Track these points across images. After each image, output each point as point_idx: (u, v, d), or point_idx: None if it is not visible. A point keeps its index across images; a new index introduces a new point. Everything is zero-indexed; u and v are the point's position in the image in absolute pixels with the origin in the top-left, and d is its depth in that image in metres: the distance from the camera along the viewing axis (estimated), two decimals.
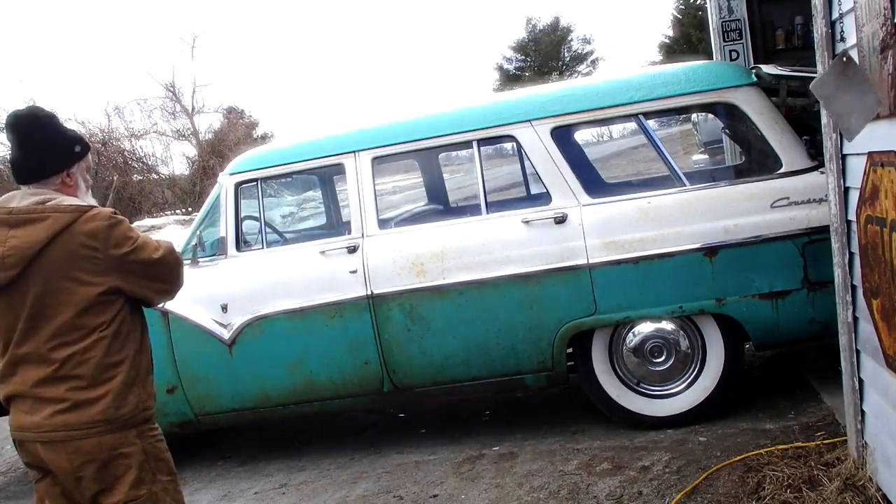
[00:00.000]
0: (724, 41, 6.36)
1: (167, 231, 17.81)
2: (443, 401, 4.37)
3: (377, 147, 3.87)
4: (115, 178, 21.67)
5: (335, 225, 4.93)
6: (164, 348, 3.88)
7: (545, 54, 42.23)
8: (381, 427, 4.45)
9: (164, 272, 2.26)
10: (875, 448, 2.54)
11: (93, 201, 2.27)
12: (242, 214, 4.00)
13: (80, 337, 2.13)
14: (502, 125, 3.75)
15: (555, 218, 3.56)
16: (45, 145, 2.21)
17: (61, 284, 2.11)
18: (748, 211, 3.40)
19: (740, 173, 4.20)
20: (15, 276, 2.10)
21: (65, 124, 2.30)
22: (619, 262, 3.47)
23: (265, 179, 4.08)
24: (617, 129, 26.46)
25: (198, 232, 3.98)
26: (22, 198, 2.16)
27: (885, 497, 2.46)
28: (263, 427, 4.70)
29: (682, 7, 30.23)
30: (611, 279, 3.47)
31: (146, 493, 2.19)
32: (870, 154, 2.27)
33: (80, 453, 2.13)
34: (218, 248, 3.97)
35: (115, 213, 2.20)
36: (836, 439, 3.03)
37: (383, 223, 3.87)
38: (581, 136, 5.66)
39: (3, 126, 2.22)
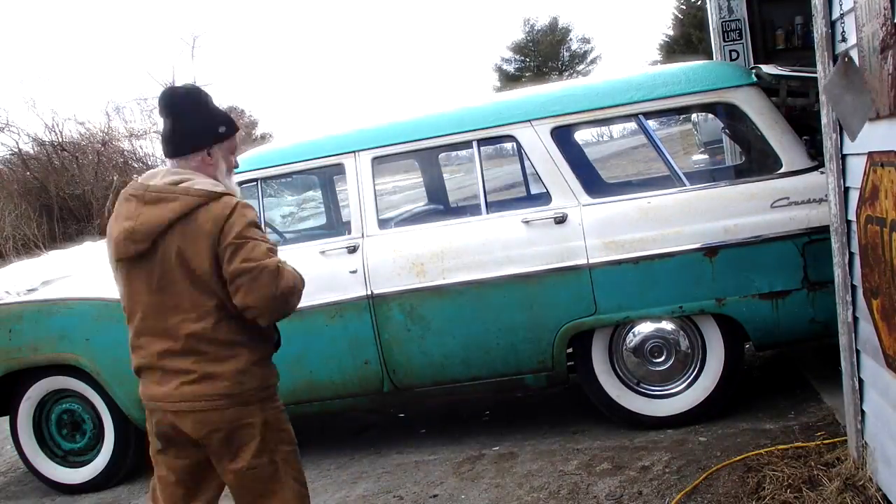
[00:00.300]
0: (724, 41, 6.36)
1: None
2: (443, 401, 4.38)
3: (377, 147, 3.87)
4: (115, 178, 21.66)
5: (335, 225, 4.93)
6: None
7: (544, 55, 42.28)
8: (381, 427, 4.45)
9: (253, 286, 2.14)
10: (875, 448, 2.54)
11: (232, 185, 2.34)
12: None
13: (200, 314, 2.21)
14: (502, 125, 3.75)
15: (555, 218, 3.56)
16: (189, 123, 2.29)
17: (183, 263, 2.19)
18: (748, 211, 3.40)
19: (740, 173, 4.21)
20: (144, 250, 2.20)
21: (216, 106, 2.34)
22: (619, 262, 3.47)
23: (265, 179, 4.08)
24: (617, 129, 26.50)
25: None
26: (163, 176, 2.25)
27: (885, 497, 2.46)
28: None
29: (683, 7, 30.25)
30: (611, 279, 3.47)
31: (267, 461, 2.27)
32: (870, 154, 2.27)
33: (206, 423, 2.22)
34: None
35: (245, 206, 2.23)
36: (836, 439, 3.03)
37: (383, 223, 3.87)
38: (581, 136, 5.67)
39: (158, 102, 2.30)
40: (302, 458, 3.78)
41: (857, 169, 2.41)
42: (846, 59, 2.22)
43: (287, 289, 2.19)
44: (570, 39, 43.45)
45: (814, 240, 3.31)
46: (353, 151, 3.87)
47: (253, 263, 2.14)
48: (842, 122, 2.39)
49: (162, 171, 2.29)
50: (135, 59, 55.13)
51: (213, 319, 2.21)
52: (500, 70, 42.79)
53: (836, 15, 2.46)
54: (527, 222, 3.60)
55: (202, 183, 2.22)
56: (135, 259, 2.23)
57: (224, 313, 2.21)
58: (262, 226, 4.01)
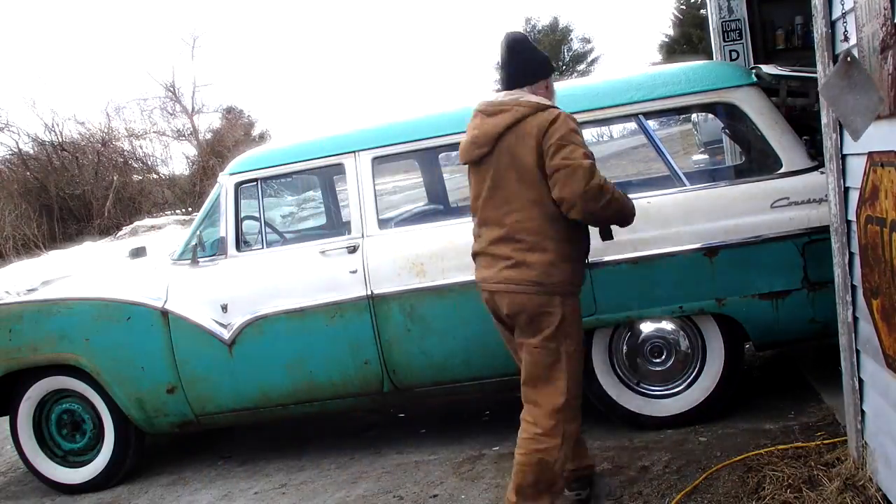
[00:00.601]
0: (724, 41, 6.36)
1: (167, 231, 17.84)
2: (443, 401, 4.38)
3: (377, 147, 3.87)
4: (115, 178, 21.68)
5: (335, 225, 4.93)
6: (164, 348, 3.88)
7: None
8: (381, 427, 4.45)
9: (568, 181, 2.57)
10: (875, 448, 2.54)
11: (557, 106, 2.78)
12: (242, 214, 4.00)
13: (521, 206, 2.67)
14: None
15: None
16: (535, 58, 2.84)
17: (511, 162, 2.67)
18: (748, 211, 3.39)
19: (740, 173, 4.20)
20: (484, 153, 2.73)
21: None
22: (618, 262, 3.47)
23: (265, 179, 4.08)
24: (617, 129, 26.48)
25: (198, 232, 3.98)
26: (503, 97, 2.78)
27: (885, 497, 2.46)
28: (263, 427, 4.70)
29: (683, 7, 30.24)
30: (610, 279, 3.47)
31: (554, 348, 2.69)
32: (870, 154, 2.27)
33: (515, 304, 2.68)
34: (218, 248, 3.97)
35: (569, 117, 2.69)
36: (836, 439, 3.03)
37: (383, 223, 3.87)
38: None
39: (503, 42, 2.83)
40: (302, 458, 3.78)
41: (857, 169, 2.41)
42: (848, 59, 2.22)
43: (597, 188, 2.57)
44: (571, 39, 43.47)
45: (814, 240, 3.30)
46: (353, 151, 3.87)
47: (570, 161, 2.56)
48: (843, 122, 2.38)
49: (500, 95, 2.81)
50: (135, 59, 55.19)
51: (531, 213, 2.65)
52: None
53: (836, 15, 2.46)
54: None
55: (533, 98, 2.73)
56: (478, 162, 2.76)
57: (541, 209, 2.64)
58: (263, 226, 4.05)
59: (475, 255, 2.86)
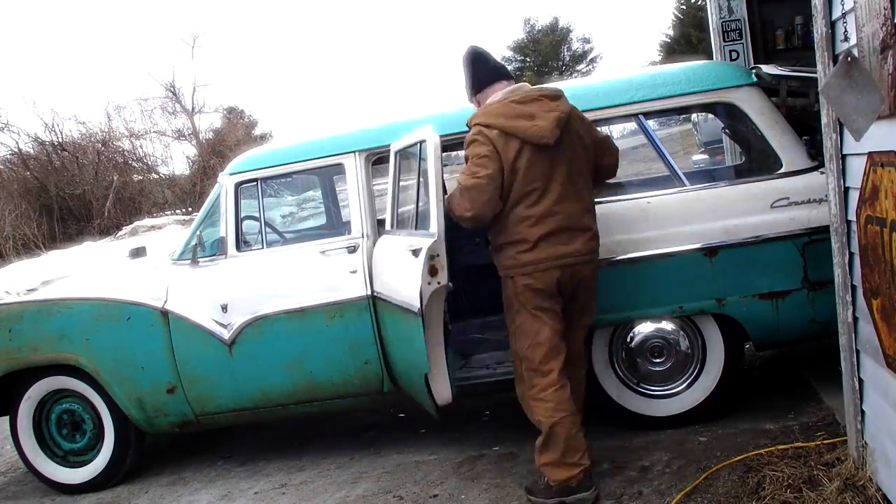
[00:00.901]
0: (724, 41, 6.36)
1: (167, 231, 17.83)
2: None
3: (377, 147, 3.87)
4: (115, 177, 21.67)
5: (335, 225, 4.93)
6: (164, 348, 3.88)
7: (545, 54, 42.26)
8: (381, 427, 4.45)
9: (605, 150, 3.22)
10: (875, 448, 2.54)
11: None
12: (242, 214, 3.99)
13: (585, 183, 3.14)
14: None
15: None
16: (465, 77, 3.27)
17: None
18: (748, 211, 3.40)
19: (740, 173, 4.20)
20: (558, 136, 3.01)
21: None
22: (619, 262, 3.47)
23: (265, 179, 4.07)
24: (617, 129, 26.43)
25: (198, 232, 3.98)
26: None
27: (885, 497, 2.46)
28: (263, 427, 4.70)
29: (683, 7, 30.24)
30: (610, 279, 3.47)
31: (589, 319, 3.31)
32: (870, 154, 2.27)
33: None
34: (218, 248, 3.97)
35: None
36: (836, 439, 3.03)
37: (383, 223, 3.86)
38: None
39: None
40: (302, 458, 3.79)
41: (857, 169, 2.41)
42: (849, 59, 2.22)
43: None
44: (571, 39, 43.46)
45: (814, 240, 3.30)
46: (353, 151, 3.87)
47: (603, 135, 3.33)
48: (845, 122, 2.38)
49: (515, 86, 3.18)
50: (135, 59, 55.20)
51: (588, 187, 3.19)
52: None
53: (836, 15, 2.46)
54: None
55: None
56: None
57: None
58: (263, 226, 4.05)
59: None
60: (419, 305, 3.03)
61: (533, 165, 2.98)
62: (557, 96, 3.10)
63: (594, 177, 3.21)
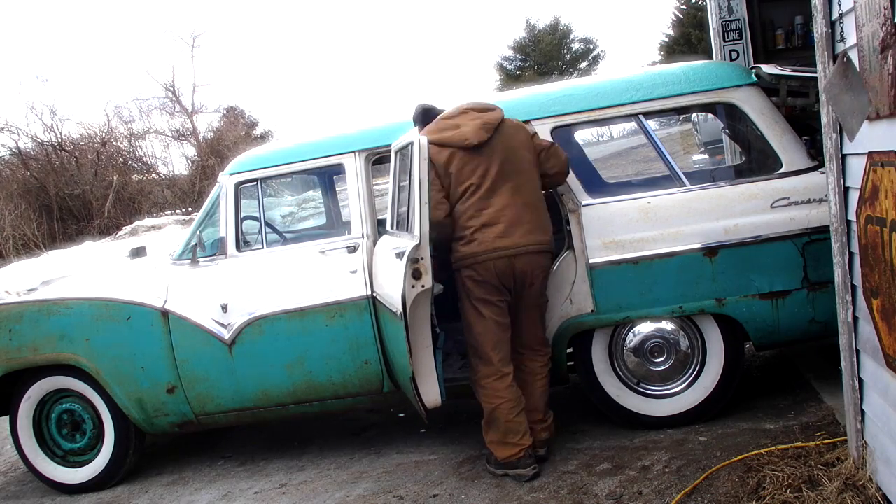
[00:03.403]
0: (724, 41, 6.36)
1: (167, 231, 17.83)
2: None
3: (377, 147, 3.87)
4: (115, 177, 21.67)
5: (335, 225, 4.93)
6: (165, 348, 3.88)
7: (545, 54, 42.26)
8: (381, 427, 4.45)
9: (548, 156, 3.43)
10: (875, 448, 2.54)
11: None
12: (242, 214, 4.00)
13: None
14: None
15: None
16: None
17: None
18: (748, 211, 3.40)
19: (740, 173, 4.20)
20: (484, 138, 3.31)
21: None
22: (619, 263, 3.47)
23: (265, 179, 4.07)
24: (617, 129, 26.52)
25: (198, 232, 3.98)
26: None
27: (885, 497, 2.46)
28: (263, 427, 4.71)
29: (683, 7, 30.23)
30: (611, 279, 3.47)
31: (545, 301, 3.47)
32: (870, 154, 2.27)
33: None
34: (218, 248, 3.97)
35: None
36: (836, 439, 3.03)
37: (383, 223, 3.86)
38: (581, 135, 5.67)
39: None
40: (302, 458, 3.79)
41: (857, 169, 2.41)
42: (845, 59, 2.22)
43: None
44: (571, 39, 43.46)
45: (814, 240, 3.31)
46: (354, 151, 3.87)
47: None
48: (841, 122, 2.39)
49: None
50: (135, 59, 55.20)
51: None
52: (501, 69, 42.80)
53: (836, 15, 2.46)
54: None
55: None
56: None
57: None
58: (263, 226, 4.05)
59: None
60: (401, 309, 3.05)
61: (465, 167, 3.28)
62: (486, 109, 3.38)
63: (544, 181, 3.41)
